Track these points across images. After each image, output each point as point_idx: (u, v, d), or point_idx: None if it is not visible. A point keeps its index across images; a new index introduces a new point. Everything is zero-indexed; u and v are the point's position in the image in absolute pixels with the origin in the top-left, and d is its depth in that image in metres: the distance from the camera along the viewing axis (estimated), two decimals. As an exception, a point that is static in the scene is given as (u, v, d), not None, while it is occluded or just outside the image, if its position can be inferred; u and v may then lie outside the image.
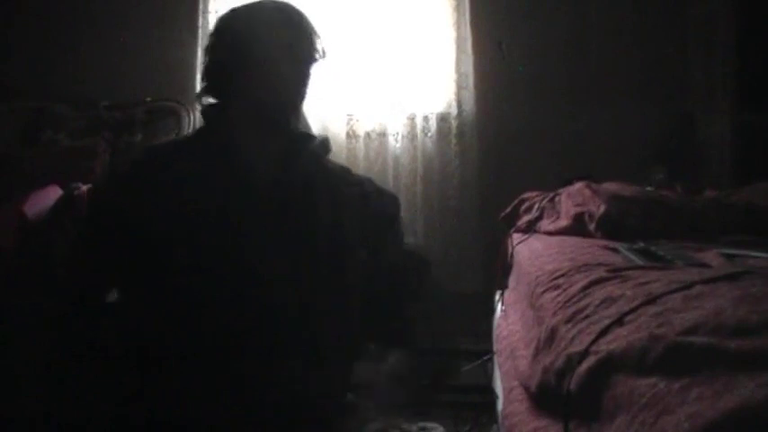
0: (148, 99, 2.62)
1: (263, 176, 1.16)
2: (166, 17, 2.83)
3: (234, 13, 1.22)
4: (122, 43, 2.82)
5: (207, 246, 1.08)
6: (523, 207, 2.17)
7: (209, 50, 1.21)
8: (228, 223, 1.10)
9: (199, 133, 1.29)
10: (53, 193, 1.94)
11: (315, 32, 1.21)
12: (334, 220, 1.19)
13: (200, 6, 2.81)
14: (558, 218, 1.96)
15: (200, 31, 2.80)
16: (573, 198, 1.95)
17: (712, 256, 1.34)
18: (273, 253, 1.11)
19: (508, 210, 2.23)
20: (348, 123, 2.85)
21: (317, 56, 1.21)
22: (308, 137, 1.26)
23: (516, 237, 2.01)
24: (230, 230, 1.09)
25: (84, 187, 2.01)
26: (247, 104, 1.18)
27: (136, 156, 1.41)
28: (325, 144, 1.29)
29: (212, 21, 2.82)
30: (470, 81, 2.81)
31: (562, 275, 1.29)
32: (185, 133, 2.47)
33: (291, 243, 1.14)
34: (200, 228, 1.08)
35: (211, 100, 1.22)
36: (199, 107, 1.26)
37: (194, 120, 2.63)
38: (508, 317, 1.79)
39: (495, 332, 1.92)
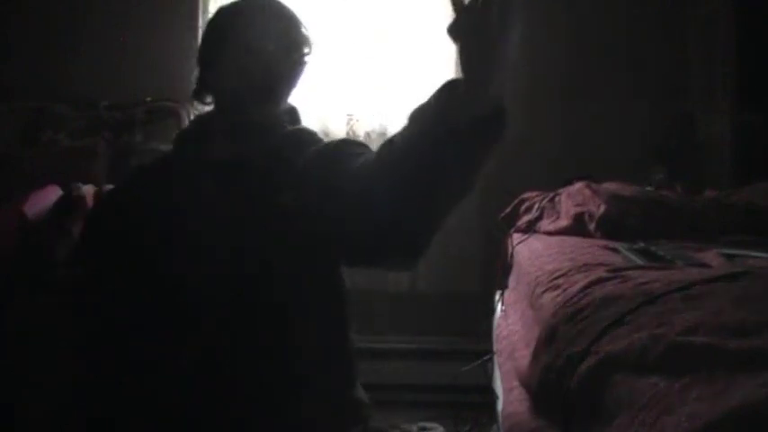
0: (148, 99, 2.62)
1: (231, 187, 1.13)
2: (166, 17, 2.83)
3: (219, 10, 1.25)
4: (122, 43, 2.82)
5: (187, 263, 1.07)
6: (523, 207, 2.17)
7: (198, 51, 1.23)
8: (202, 239, 1.08)
9: (180, 146, 1.26)
10: (53, 193, 1.94)
11: (300, 24, 1.20)
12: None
13: (201, 6, 2.81)
14: (558, 218, 1.96)
15: (200, 31, 2.79)
16: (573, 198, 1.96)
17: (712, 256, 1.34)
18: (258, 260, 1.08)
19: (508, 210, 2.23)
20: (348, 123, 2.85)
21: (304, 48, 1.19)
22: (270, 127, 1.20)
23: (516, 237, 2.01)
24: (205, 245, 1.08)
25: (85, 188, 2.01)
26: (219, 104, 1.19)
27: (124, 179, 1.37)
28: (290, 115, 1.24)
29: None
30: (470, 81, 2.80)
31: (562, 275, 1.29)
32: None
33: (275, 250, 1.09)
34: (183, 247, 1.08)
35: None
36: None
37: (194, 120, 2.64)
38: (508, 317, 1.79)
39: (495, 332, 1.92)
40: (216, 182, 1.12)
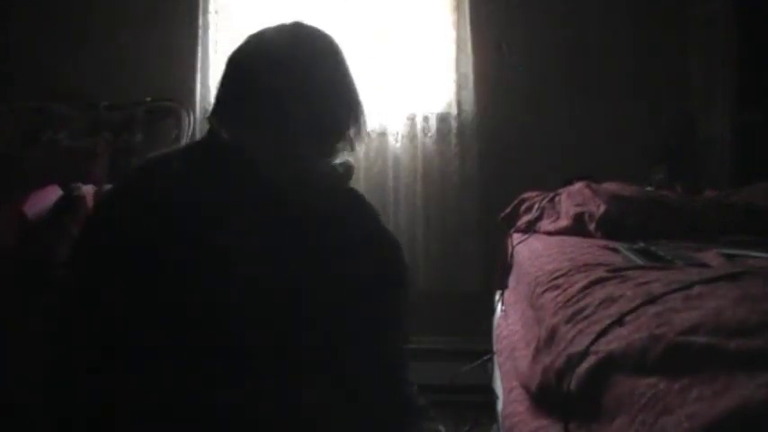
0: (148, 99, 2.62)
1: (268, 207, 1.08)
2: (166, 17, 2.83)
3: (248, 40, 1.18)
4: (122, 43, 2.83)
5: (196, 276, 1.00)
6: (523, 207, 2.17)
7: (221, 81, 1.16)
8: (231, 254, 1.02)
9: (206, 151, 1.17)
10: (53, 193, 1.94)
11: (337, 53, 1.18)
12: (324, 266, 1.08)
13: (201, 6, 2.81)
14: (558, 218, 1.96)
15: (200, 31, 2.79)
16: (573, 198, 1.96)
17: (712, 256, 1.34)
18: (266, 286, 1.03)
19: (508, 210, 2.23)
20: (348, 123, 2.84)
21: (340, 78, 1.16)
22: (323, 166, 1.18)
23: (516, 237, 2.01)
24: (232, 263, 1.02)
25: (85, 188, 2.01)
26: (262, 134, 1.14)
27: (132, 171, 1.28)
28: (342, 175, 1.21)
29: (212, 21, 2.82)
30: (470, 81, 2.81)
31: (562, 275, 1.29)
32: (184, 143, 2.46)
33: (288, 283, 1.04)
34: (194, 256, 1.01)
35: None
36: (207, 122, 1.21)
37: (194, 120, 2.64)
38: (508, 317, 1.79)
39: (495, 332, 1.93)
40: (256, 207, 1.07)
